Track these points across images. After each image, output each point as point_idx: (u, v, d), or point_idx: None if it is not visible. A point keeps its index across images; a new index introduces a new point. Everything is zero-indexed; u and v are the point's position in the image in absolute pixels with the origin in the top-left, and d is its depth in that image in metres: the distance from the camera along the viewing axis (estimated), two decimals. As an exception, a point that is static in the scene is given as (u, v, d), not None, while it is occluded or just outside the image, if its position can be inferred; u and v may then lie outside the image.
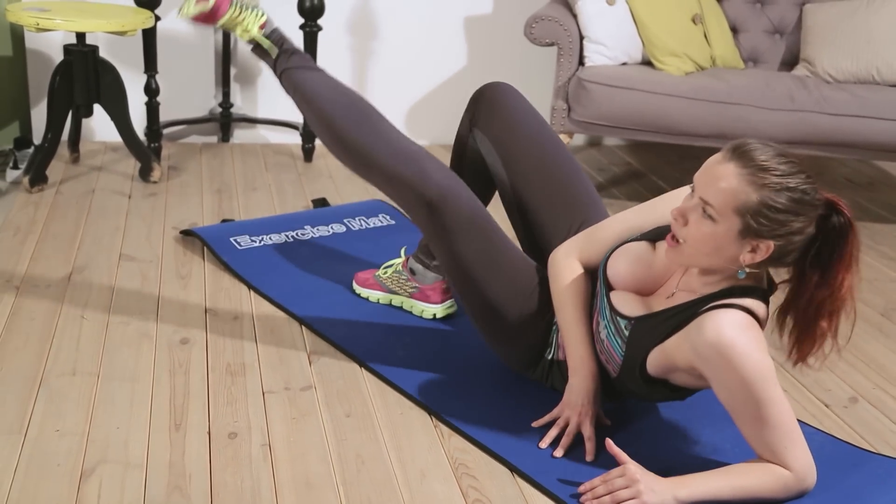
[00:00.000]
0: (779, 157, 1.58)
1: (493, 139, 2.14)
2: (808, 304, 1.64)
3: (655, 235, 1.84)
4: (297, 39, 3.53)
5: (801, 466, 1.66)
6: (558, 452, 1.83)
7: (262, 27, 2.14)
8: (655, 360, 1.73)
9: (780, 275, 1.71)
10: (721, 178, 1.58)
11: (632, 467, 1.66)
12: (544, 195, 2.08)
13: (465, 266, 1.94)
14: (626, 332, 1.75)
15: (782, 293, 1.70)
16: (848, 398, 2.17)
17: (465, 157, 2.23)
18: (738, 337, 1.57)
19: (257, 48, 2.19)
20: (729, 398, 1.64)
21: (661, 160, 3.97)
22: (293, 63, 2.13)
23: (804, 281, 1.64)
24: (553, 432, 1.86)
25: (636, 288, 1.82)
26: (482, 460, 1.82)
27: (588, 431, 1.84)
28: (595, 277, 1.92)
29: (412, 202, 1.96)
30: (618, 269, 1.82)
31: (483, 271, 1.94)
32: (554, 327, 1.96)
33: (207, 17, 2.11)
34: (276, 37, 2.16)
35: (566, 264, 1.93)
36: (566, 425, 1.86)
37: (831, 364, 2.32)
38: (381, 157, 1.97)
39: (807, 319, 1.65)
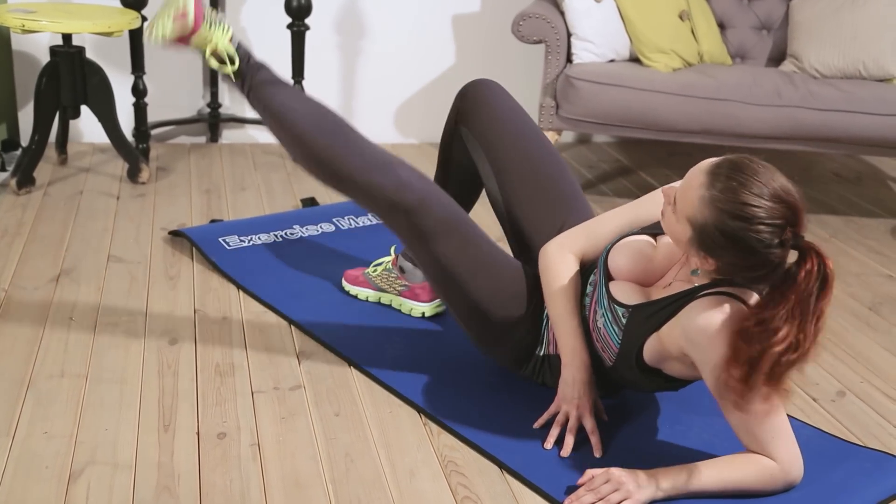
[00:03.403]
0: (756, 196, 1.52)
1: (479, 136, 2.14)
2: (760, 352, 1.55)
3: (656, 230, 1.86)
4: (285, 39, 3.54)
5: (787, 457, 1.67)
6: (565, 452, 1.83)
7: (229, 41, 2.07)
8: (651, 349, 1.74)
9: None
10: (690, 186, 1.60)
11: (615, 470, 1.66)
12: (530, 192, 2.08)
13: (448, 269, 1.95)
14: (624, 320, 1.76)
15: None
16: (835, 392, 2.18)
17: (451, 154, 2.24)
18: (724, 323, 1.59)
19: (221, 64, 2.09)
20: (714, 383, 1.64)
21: (649, 157, 3.98)
22: (260, 78, 2.07)
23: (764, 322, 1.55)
24: (555, 431, 1.86)
25: (636, 279, 1.83)
26: (471, 457, 1.82)
27: (590, 424, 1.85)
28: (587, 271, 1.93)
29: (390, 210, 1.95)
30: (619, 260, 1.83)
31: (466, 273, 1.94)
32: (544, 323, 1.96)
33: (183, 38, 2.04)
34: (242, 51, 2.08)
35: (560, 257, 1.93)
36: (566, 421, 1.87)
37: (817, 357, 2.33)
38: (355, 169, 1.95)
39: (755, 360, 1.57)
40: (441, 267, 1.95)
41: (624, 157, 3.96)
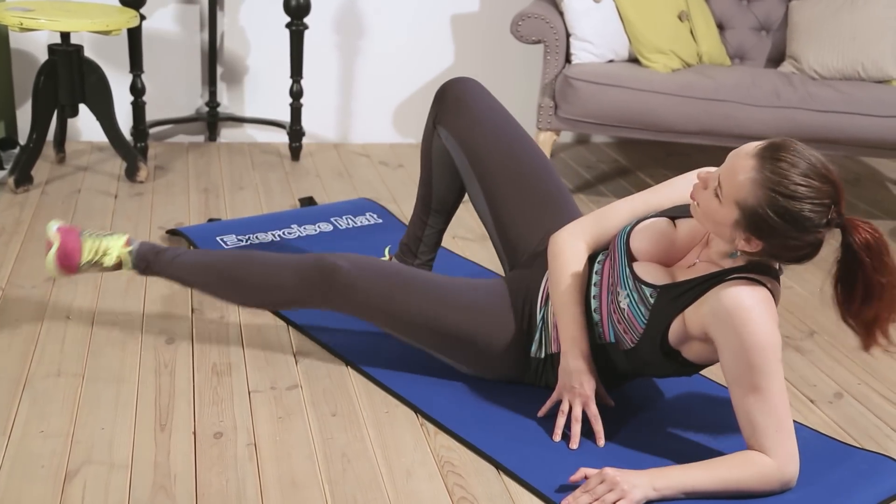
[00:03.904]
0: (803, 176, 1.58)
1: (458, 137, 2.14)
2: (851, 312, 1.70)
3: (674, 213, 1.87)
4: (284, 38, 3.54)
5: (784, 455, 1.67)
6: (574, 444, 1.84)
7: (126, 244, 2.11)
8: (676, 329, 1.75)
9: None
10: (738, 169, 1.62)
11: (609, 471, 1.66)
12: (514, 192, 2.08)
13: (411, 319, 1.96)
14: (652, 300, 1.76)
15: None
16: (833, 394, 2.18)
17: (432, 157, 2.23)
18: (755, 306, 1.63)
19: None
20: (733, 364, 1.66)
21: (648, 157, 3.98)
22: (167, 256, 2.10)
23: (837, 292, 1.69)
24: (560, 421, 1.87)
25: (658, 261, 1.84)
26: (468, 458, 1.82)
27: (592, 411, 1.86)
28: (592, 257, 1.94)
29: (332, 294, 1.97)
30: (641, 242, 1.84)
31: (429, 314, 1.95)
32: (539, 325, 1.96)
33: (67, 260, 2.06)
34: (144, 250, 2.11)
35: (571, 245, 1.93)
36: (569, 411, 1.87)
37: (816, 359, 2.33)
38: (285, 278, 2.00)
39: (856, 322, 1.71)
40: (405, 321, 1.97)
41: (622, 157, 3.96)
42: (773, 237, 1.62)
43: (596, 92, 3.12)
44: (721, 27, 3.59)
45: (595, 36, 3.26)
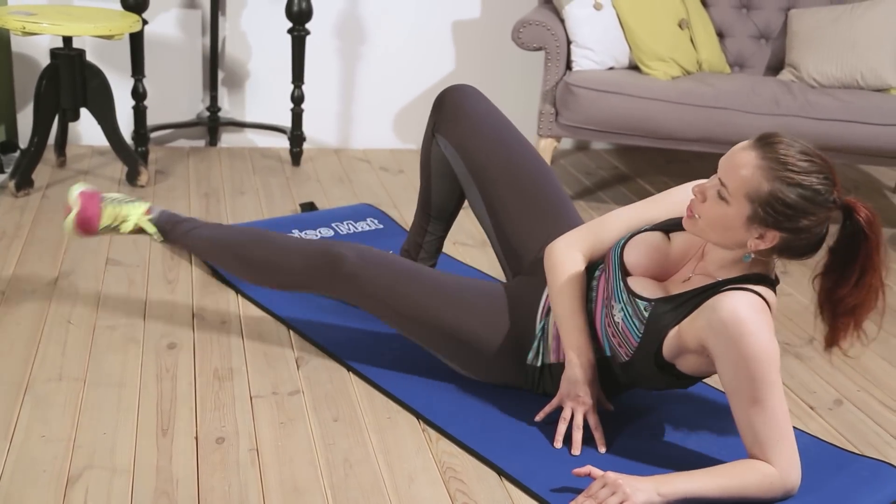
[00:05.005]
0: (802, 154, 1.63)
1: (457, 145, 2.14)
2: (834, 299, 1.71)
3: (668, 226, 1.88)
4: (284, 43, 3.55)
5: (786, 463, 1.68)
6: (576, 451, 1.85)
7: (147, 212, 2.19)
8: (670, 343, 1.75)
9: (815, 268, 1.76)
10: (740, 164, 1.63)
11: (611, 475, 1.66)
12: (514, 200, 2.09)
13: (413, 315, 1.98)
14: (646, 314, 1.76)
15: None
16: (833, 400, 2.19)
17: (431, 165, 2.24)
18: (750, 316, 1.63)
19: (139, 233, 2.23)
20: (731, 375, 1.66)
21: (647, 164, 3.99)
22: (185, 228, 2.19)
23: (828, 277, 1.71)
24: (562, 428, 1.87)
25: (652, 275, 1.85)
26: (470, 464, 1.83)
27: (593, 420, 1.87)
28: (590, 270, 1.94)
29: (336, 282, 2.01)
30: (635, 256, 1.85)
31: (433, 311, 1.97)
32: (539, 334, 1.96)
33: (86, 225, 2.15)
34: (164, 218, 2.20)
35: (568, 255, 1.93)
36: (571, 418, 1.88)
37: (816, 366, 2.34)
38: (293, 262, 2.06)
39: (833, 312, 1.73)
40: (407, 316, 1.98)
41: (622, 164, 3.97)
42: (790, 221, 1.62)
43: (597, 99, 3.13)
44: (721, 35, 3.60)
45: (596, 43, 3.27)
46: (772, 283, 1.74)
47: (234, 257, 2.13)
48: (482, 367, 2.01)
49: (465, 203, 2.32)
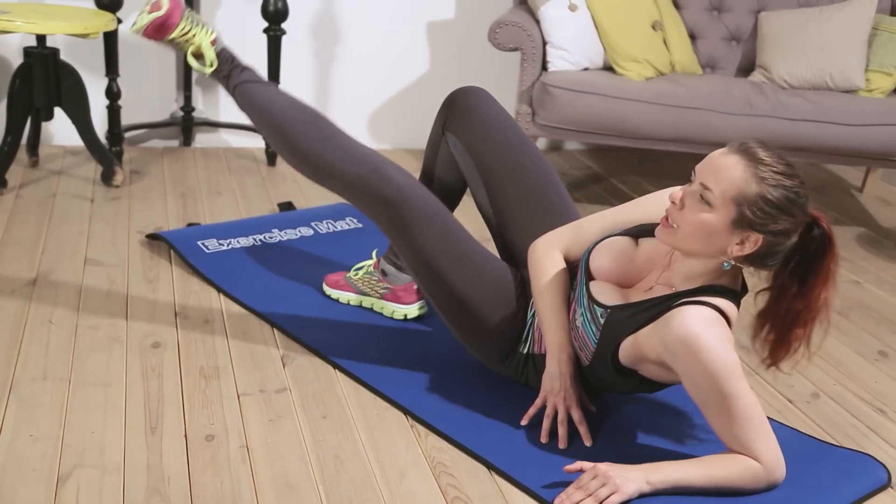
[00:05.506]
0: (780, 159, 1.66)
1: (466, 143, 2.16)
2: (786, 313, 1.71)
3: (638, 232, 1.89)
4: (261, 43, 3.54)
5: (770, 458, 1.71)
6: (562, 444, 1.86)
7: (212, 43, 2.13)
8: (627, 350, 1.77)
9: (759, 284, 1.77)
10: (725, 167, 1.65)
11: (601, 466, 1.69)
12: (519, 199, 2.11)
13: (429, 261, 1.97)
14: (602, 320, 1.78)
15: (761, 300, 1.76)
16: (810, 394, 2.23)
17: (437, 160, 2.26)
18: (704, 331, 1.62)
19: (201, 65, 2.16)
20: (696, 392, 1.68)
21: (620, 164, 4.03)
22: (245, 77, 2.14)
23: (783, 291, 1.70)
24: (546, 424, 1.89)
25: (616, 280, 1.87)
26: (460, 459, 1.84)
27: (577, 415, 1.88)
28: (574, 269, 1.96)
29: (372, 202, 1.99)
30: (600, 261, 1.87)
31: (448, 265, 1.96)
32: (529, 322, 1.98)
33: (160, 29, 2.09)
34: (225, 55, 2.15)
35: (547, 254, 1.96)
36: (555, 414, 1.89)
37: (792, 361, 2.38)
38: (337, 163, 2.01)
39: (783, 327, 1.72)
40: (423, 258, 1.97)
41: (595, 164, 4.01)
42: (774, 222, 1.64)
43: (573, 99, 3.16)
44: (693, 37, 3.66)
45: (571, 44, 3.31)
46: (736, 294, 1.74)
47: (278, 135, 2.07)
48: (478, 337, 2.01)
49: (466, 205, 2.34)
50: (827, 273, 1.68)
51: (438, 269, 1.97)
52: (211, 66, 2.12)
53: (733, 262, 1.70)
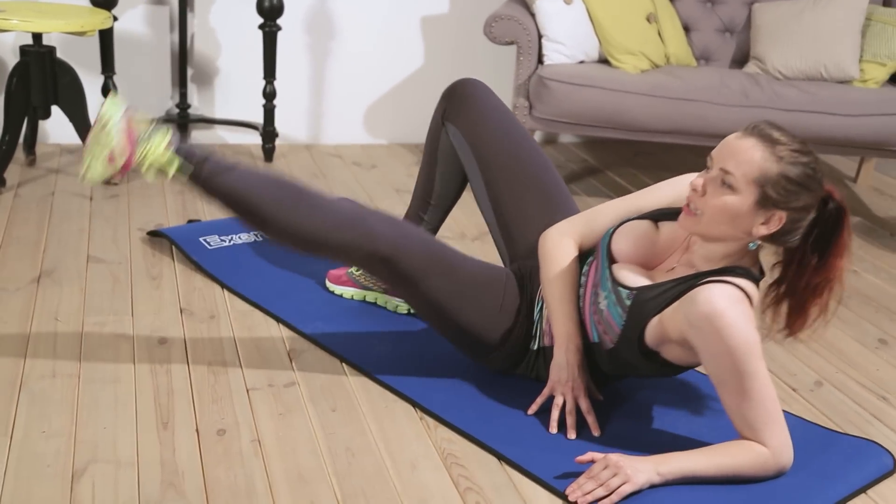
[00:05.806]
0: (791, 137, 1.71)
1: (465, 134, 2.18)
2: (806, 286, 1.77)
3: (658, 215, 1.92)
4: (254, 39, 3.54)
5: (778, 444, 1.73)
6: (571, 434, 1.88)
7: (166, 147, 1.93)
8: (652, 331, 1.79)
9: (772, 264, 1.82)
10: (743, 150, 1.69)
11: (612, 457, 1.70)
12: (517, 190, 2.12)
13: (434, 305, 1.98)
14: (628, 302, 1.80)
15: (776, 275, 1.83)
16: (813, 382, 2.26)
17: (437, 151, 2.27)
18: (728, 308, 1.65)
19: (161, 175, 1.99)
20: (715, 368, 1.70)
21: (615, 156, 4.05)
22: (207, 171, 1.94)
23: (804, 264, 1.76)
24: (555, 413, 1.90)
25: (639, 263, 1.89)
26: (470, 450, 1.85)
27: (585, 405, 1.91)
28: (587, 256, 1.98)
29: (367, 262, 1.96)
30: (622, 244, 1.89)
31: (450, 303, 1.97)
32: (536, 320, 1.99)
33: (121, 171, 1.91)
34: (183, 151, 1.95)
35: (560, 243, 1.98)
36: (563, 404, 1.91)
37: (794, 349, 2.41)
38: (325, 233, 1.93)
39: (802, 299, 1.78)
40: (428, 303, 1.98)
41: (590, 156, 4.03)
42: (796, 199, 1.69)
43: (571, 92, 3.17)
44: (687, 29, 3.67)
45: (566, 37, 3.32)
46: (755, 276, 1.78)
47: (259, 221, 1.93)
48: (486, 356, 2.04)
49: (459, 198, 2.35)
50: (843, 244, 1.75)
51: (441, 309, 1.98)
52: (181, 170, 1.94)
53: (759, 242, 1.75)
